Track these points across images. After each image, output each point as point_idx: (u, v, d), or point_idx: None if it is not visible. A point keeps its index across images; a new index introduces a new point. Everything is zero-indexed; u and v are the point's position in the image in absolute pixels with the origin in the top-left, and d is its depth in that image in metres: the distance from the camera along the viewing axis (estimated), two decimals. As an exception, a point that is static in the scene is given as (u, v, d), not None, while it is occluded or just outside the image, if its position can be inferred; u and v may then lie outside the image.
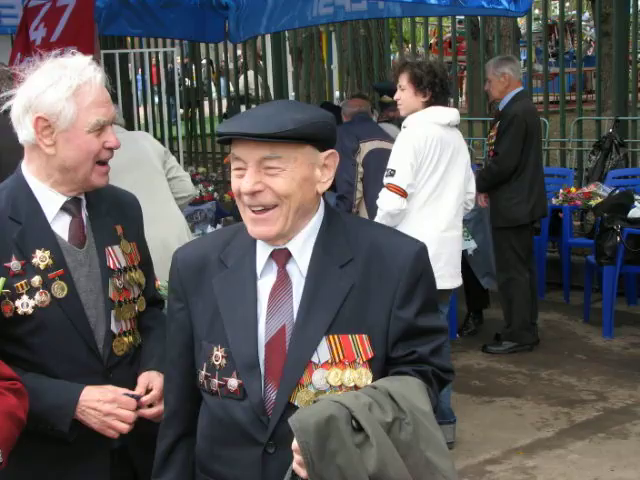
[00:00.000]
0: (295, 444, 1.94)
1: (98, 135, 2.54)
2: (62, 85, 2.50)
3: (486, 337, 7.23)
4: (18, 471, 2.46)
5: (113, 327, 2.60)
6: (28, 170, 2.59)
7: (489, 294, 7.52)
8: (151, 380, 2.60)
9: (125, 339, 2.63)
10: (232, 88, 13.49)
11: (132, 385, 2.59)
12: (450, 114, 5.29)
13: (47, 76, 2.51)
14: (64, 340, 2.53)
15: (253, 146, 2.07)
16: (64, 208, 2.60)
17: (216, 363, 2.17)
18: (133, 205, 2.80)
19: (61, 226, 2.59)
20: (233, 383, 2.15)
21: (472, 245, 6.96)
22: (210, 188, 7.75)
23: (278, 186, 2.09)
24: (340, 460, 1.92)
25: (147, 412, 2.57)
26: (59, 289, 2.52)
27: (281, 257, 2.18)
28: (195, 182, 8.37)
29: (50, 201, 2.59)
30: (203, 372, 2.20)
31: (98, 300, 2.58)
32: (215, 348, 2.18)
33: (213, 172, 10.80)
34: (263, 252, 2.19)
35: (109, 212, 2.67)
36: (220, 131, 2.11)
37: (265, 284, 2.18)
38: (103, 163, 2.58)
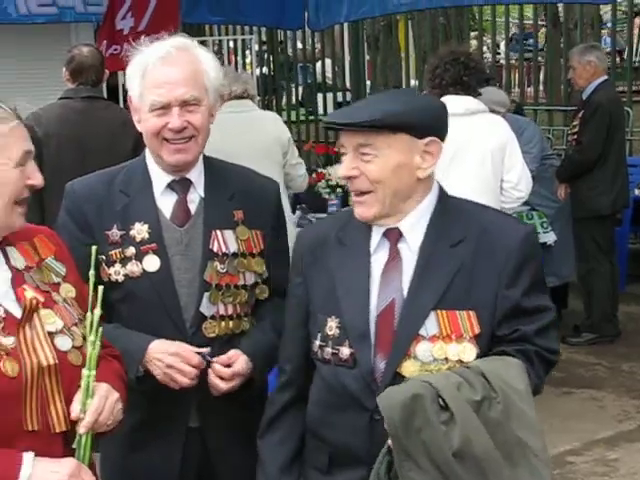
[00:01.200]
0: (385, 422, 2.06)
1: (159, 115, 2.59)
2: (135, 66, 2.62)
3: (565, 328, 7.15)
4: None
5: (204, 309, 2.63)
6: (148, 149, 2.72)
7: (568, 289, 7.41)
8: (236, 359, 2.61)
9: (222, 323, 2.65)
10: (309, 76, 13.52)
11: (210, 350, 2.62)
12: (458, 103, 5.09)
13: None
14: (151, 313, 2.61)
15: (350, 134, 2.27)
16: (170, 187, 2.66)
17: (330, 333, 2.32)
18: (268, 193, 2.79)
19: (167, 204, 2.66)
20: (345, 352, 2.29)
21: (551, 237, 6.88)
22: (289, 175, 7.77)
23: (371, 172, 2.25)
24: (425, 436, 2.03)
25: (212, 379, 2.58)
26: (151, 263, 2.60)
27: (393, 236, 2.32)
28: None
29: (159, 179, 2.68)
30: (317, 342, 2.35)
31: (193, 280, 2.62)
32: (329, 319, 2.32)
33: (290, 159, 10.81)
34: (377, 231, 2.34)
35: (233, 196, 2.70)
36: (324, 120, 2.28)
37: (378, 260, 2.32)
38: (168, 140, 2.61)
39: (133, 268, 2.60)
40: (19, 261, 2.24)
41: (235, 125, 5.28)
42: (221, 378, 2.58)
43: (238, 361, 2.61)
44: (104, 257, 2.59)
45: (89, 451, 2.14)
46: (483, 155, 5.05)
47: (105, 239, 2.61)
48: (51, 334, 2.17)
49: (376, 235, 2.35)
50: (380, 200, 2.28)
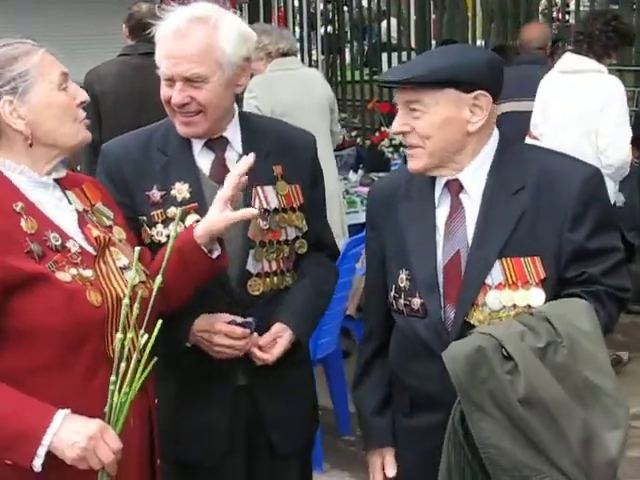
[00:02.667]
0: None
1: (168, 86, 2.63)
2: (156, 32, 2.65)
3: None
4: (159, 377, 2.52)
5: (250, 266, 2.63)
6: None
7: (635, 249, 7.27)
8: (280, 333, 2.63)
9: (267, 280, 2.65)
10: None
11: (262, 326, 2.62)
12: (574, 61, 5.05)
13: None
14: None
15: (400, 91, 2.37)
16: (207, 146, 2.63)
17: (401, 285, 2.44)
18: (305, 146, 2.78)
19: (205, 162, 2.64)
20: (416, 303, 2.40)
21: (620, 198, 6.73)
22: (353, 134, 7.72)
23: (420, 128, 2.34)
24: (490, 386, 2.11)
25: (257, 353, 2.62)
26: (194, 222, 2.58)
27: (454, 187, 2.41)
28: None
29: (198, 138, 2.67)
30: (392, 293, 2.48)
31: (236, 238, 2.62)
32: (401, 271, 2.44)
33: (353, 118, 10.75)
34: (439, 183, 2.40)
35: (270, 151, 2.67)
36: (377, 77, 2.41)
37: (442, 212, 2.43)
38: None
39: (175, 229, 2.57)
40: (78, 204, 2.34)
41: (285, 83, 5.26)
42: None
43: (282, 340, 2.62)
44: (145, 218, 2.60)
45: (123, 415, 2.14)
46: (582, 114, 5.16)
47: (145, 200, 2.61)
48: (121, 269, 2.29)
49: (439, 187, 2.43)
50: (429, 153, 2.36)
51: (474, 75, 2.31)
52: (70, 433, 2.09)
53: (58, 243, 2.20)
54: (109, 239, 2.30)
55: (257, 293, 2.66)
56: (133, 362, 2.14)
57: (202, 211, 2.60)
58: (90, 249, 2.27)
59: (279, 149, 2.71)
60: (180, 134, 2.62)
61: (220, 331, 2.58)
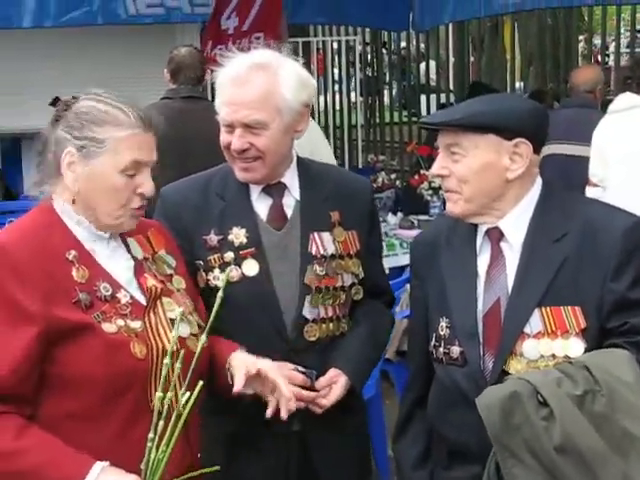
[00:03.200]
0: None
1: (228, 132, 2.59)
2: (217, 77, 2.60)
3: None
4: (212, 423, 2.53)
5: (306, 312, 2.62)
6: None
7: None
8: (336, 378, 2.60)
9: (323, 326, 2.65)
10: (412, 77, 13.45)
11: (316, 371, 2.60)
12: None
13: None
14: (251, 317, 2.59)
15: (442, 134, 2.35)
16: (265, 191, 2.64)
17: (441, 333, 2.39)
18: (363, 192, 2.78)
19: (263, 208, 2.65)
20: (455, 351, 2.36)
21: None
22: (392, 176, 7.73)
23: (458, 171, 2.32)
24: (525, 433, 2.05)
25: (320, 401, 2.57)
26: (250, 267, 2.59)
27: (494, 235, 2.37)
28: (374, 170, 8.38)
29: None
30: (432, 342, 2.43)
31: (293, 284, 2.61)
32: (441, 319, 2.40)
33: (392, 160, 10.78)
34: (480, 231, 2.39)
35: (328, 198, 2.67)
36: (420, 120, 2.40)
37: (483, 260, 2.39)
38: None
39: (232, 273, 2.58)
40: (138, 252, 2.33)
41: None
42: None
43: (337, 385, 2.59)
44: (202, 262, 2.59)
45: (159, 472, 2.11)
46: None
47: (203, 244, 2.60)
48: (172, 321, 2.25)
49: (480, 235, 2.40)
50: (466, 199, 2.33)
51: (515, 122, 2.30)
52: None
53: (108, 293, 2.18)
54: (162, 290, 2.28)
55: (313, 339, 2.63)
56: (173, 419, 2.09)
57: (258, 257, 2.58)
58: (142, 299, 2.25)
59: (337, 195, 2.68)
60: (239, 179, 2.63)
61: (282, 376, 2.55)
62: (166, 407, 2.08)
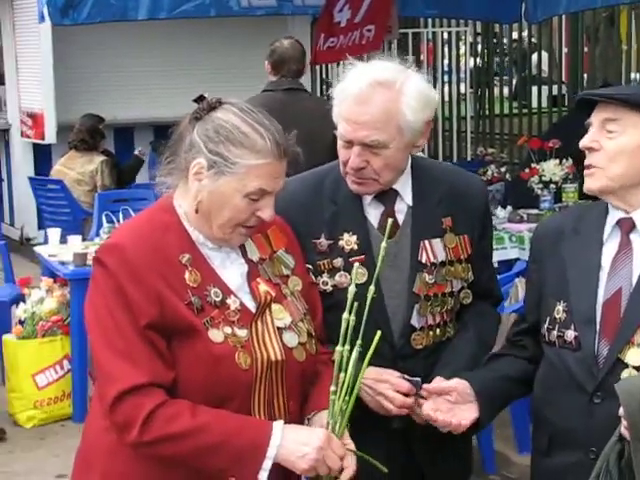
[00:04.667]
0: (622, 409, 2.08)
1: (345, 147, 2.55)
2: (338, 87, 2.56)
3: None
4: None
5: (414, 321, 2.60)
6: None
7: None
8: (443, 388, 2.54)
9: (430, 332, 2.63)
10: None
11: (422, 377, 2.57)
12: None
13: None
14: (358, 323, 2.53)
15: (601, 107, 2.33)
16: (377, 197, 2.62)
17: (557, 316, 2.40)
18: (477, 195, 2.72)
19: (375, 214, 2.62)
20: (570, 335, 2.36)
21: None
22: (502, 169, 7.63)
23: (609, 147, 2.30)
24: None
25: (424, 410, 2.51)
26: (360, 274, 2.50)
27: (626, 225, 2.36)
28: (484, 163, 8.29)
29: None
30: (546, 325, 2.43)
31: (402, 292, 2.58)
32: (558, 303, 2.40)
33: (502, 153, 10.64)
34: (610, 221, 2.37)
35: (441, 202, 2.63)
36: (579, 93, 2.45)
37: (609, 249, 2.38)
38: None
39: (342, 279, 2.56)
40: (254, 254, 2.32)
41: None
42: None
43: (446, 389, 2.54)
44: (311, 266, 2.56)
45: (345, 422, 2.21)
46: None
47: (313, 248, 2.57)
48: (280, 329, 2.25)
49: (609, 225, 2.39)
50: (611, 177, 2.32)
51: None
52: (298, 445, 2.13)
53: (218, 299, 2.19)
54: (272, 297, 2.26)
55: (420, 347, 2.61)
56: (350, 370, 2.18)
57: (369, 263, 2.53)
58: (251, 306, 2.24)
59: (451, 199, 2.64)
60: (352, 191, 2.60)
61: (388, 381, 2.53)
62: (345, 358, 2.17)
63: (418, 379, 2.53)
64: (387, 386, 2.52)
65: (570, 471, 2.34)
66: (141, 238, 2.19)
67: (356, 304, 2.24)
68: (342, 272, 2.57)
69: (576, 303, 2.36)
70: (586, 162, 2.37)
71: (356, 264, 2.41)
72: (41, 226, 9.50)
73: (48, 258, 6.07)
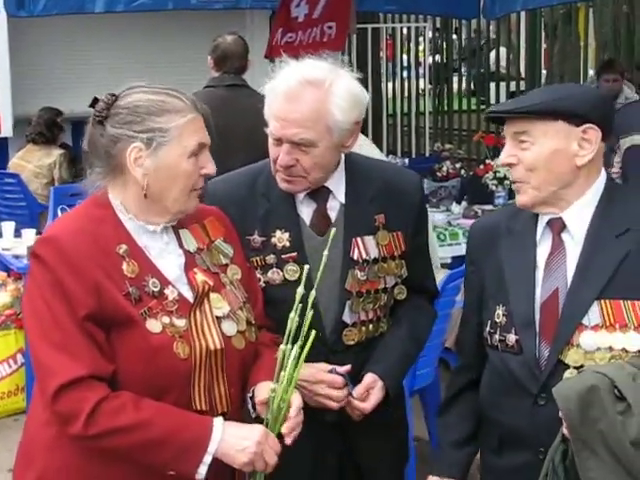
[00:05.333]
0: (561, 413, 2.10)
1: (275, 145, 2.56)
2: (269, 85, 2.56)
3: None
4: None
5: (346, 317, 2.62)
6: None
7: None
8: (373, 384, 2.60)
9: (363, 328, 2.65)
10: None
11: (352, 372, 2.61)
12: None
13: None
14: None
15: (509, 122, 2.35)
16: (309, 195, 2.63)
17: (497, 320, 2.41)
18: (410, 191, 2.72)
19: (307, 212, 2.64)
20: (511, 339, 2.38)
21: None
22: (457, 165, 7.68)
23: (526, 158, 2.31)
24: (602, 426, 2.05)
25: (354, 402, 2.57)
26: (291, 271, 2.57)
27: (556, 226, 2.37)
28: (441, 158, 8.35)
29: None
30: (487, 328, 2.44)
31: (333, 288, 2.59)
32: (498, 306, 2.42)
33: (459, 149, 10.72)
34: (542, 221, 2.39)
35: (374, 200, 2.65)
36: (486, 111, 2.45)
37: (542, 250, 2.39)
38: None
39: (274, 276, 2.59)
40: (191, 244, 2.33)
41: None
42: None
43: (374, 391, 2.60)
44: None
45: (280, 419, 2.23)
46: None
47: (247, 244, 2.58)
48: (218, 319, 2.26)
49: (541, 226, 2.40)
50: (536, 187, 2.33)
51: (584, 108, 2.30)
52: (238, 439, 2.15)
53: (156, 289, 2.19)
54: (210, 287, 2.27)
55: (352, 343, 2.63)
56: (288, 370, 2.20)
57: (300, 261, 2.55)
58: (189, 296, 2.25)
59: (384, 196, 2.65)
60: (281, 189, 2.62)
61: (323, 381, 2.56)
62: (286, 357, 2.18)
63: (346, 368, 2.56)
64: (323, 386, 2.54)
65: (520, 471, 2.37)
66: (77, 230, 2.20)
67: (296, 302, 2.25)
68: (274, 269, 2.59)
69: (515, 306, 2.38)
70: (511, 178, 2.41)
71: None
72: (-2, 220, 9.42)
73: (2, 252, 6.03)
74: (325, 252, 2.33)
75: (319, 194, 2.63)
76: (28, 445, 2.30)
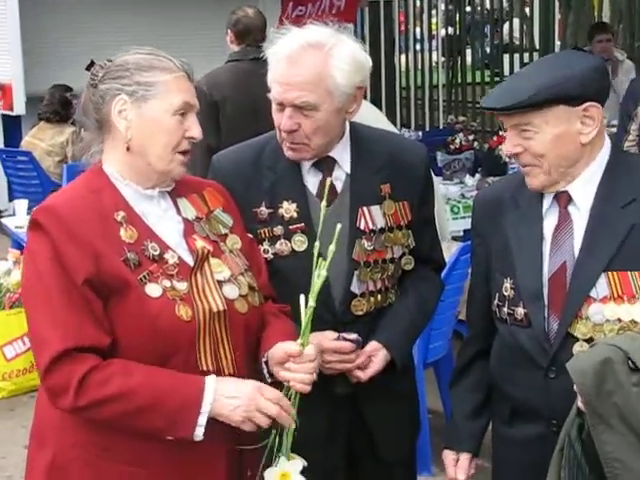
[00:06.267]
0: (576, 387, 2.10)
1: (278, 110, 2.56)
2: (270, 53, 2.58)
3: None
4: None
5: (354, 287, 2.62)
6: None
7: None
8: (375, 352, 2.61)
9: (371, 299, 2.65)
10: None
11: (364, 343, 2.62)
12: None
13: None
14: (300, 291, 2.49)
15: (505, 115, 2.33)
16: (315, 165, 2.63)
17: (505, 294, 2.41)
18: (418, 161, 2.73)
19: (313, 182, 2.64)
20: (520, 312, 2.38)
21: None
22: (470, 137, 7.64)
23: (533, 147, 2.30)
24: (617, 399, 2.05)
25: (356, 373, 2.59)
26: (299, 242, 2.58)
27: (563, 199, 2.37)
28: (455, 131, 8.30)
29: None
30: (495, 301, 2.45)
31: (341, 259, 2.58)
32: (505, 280, 2.41)
33: (473, 121, 10.64)
34: (548, 194, 2.38)
35: (380, 170, 2.65)
36: (481, 103, 2.43)
37: (549, 223, 2.39)
38: None
39: (282, 247, 2.59)
40: (190, 212, 2.33)
41: None
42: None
43: (376, 359, 2.60)
44: (251, 235, 2.59)
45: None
46: None
47: (253, 217, 2.59)
48: (220, 282, 2.26)
49: (547, 198, 2.39)
50: (546, 171, 2.32)
51: (581, 88, 2.27)
52: (228, 399, 2.14)
53: (156, 253, 2.20)
54: (209, 251, 2.27)
55: (360, 313, 2.64)
56: (307, 318, 2.23)
57: (308, 231, 2.57)
58: (190, 261, 2.25)
59: (390, 166, 2.65)
60: (287, 157, 2.61)
61: (329, 349, 2.56)
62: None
63: (355, 336, 2.56)
64: (330, 354, 2.55)
65: (532, 442, 2.37)
66: (74, 199, 2.21)
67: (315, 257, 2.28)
68: (282, 240, 2.60)
69: (522, 280, 2.37)
70: (519, 164, 2.39)
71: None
72: (11, 198, 9.44)
73: (15, 230, 6.05)
74: (323, 203, 2.34)
75: (324, 164, 2.62)
76: (39, 426, 2.31)
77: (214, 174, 2.67)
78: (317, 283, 2.24)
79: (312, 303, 2.23)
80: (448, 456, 2.60)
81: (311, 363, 2.24)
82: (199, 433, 2.13)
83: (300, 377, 2.23)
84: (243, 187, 2.60)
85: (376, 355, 2.60)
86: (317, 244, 2.30)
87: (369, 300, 2.64)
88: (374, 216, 2.62)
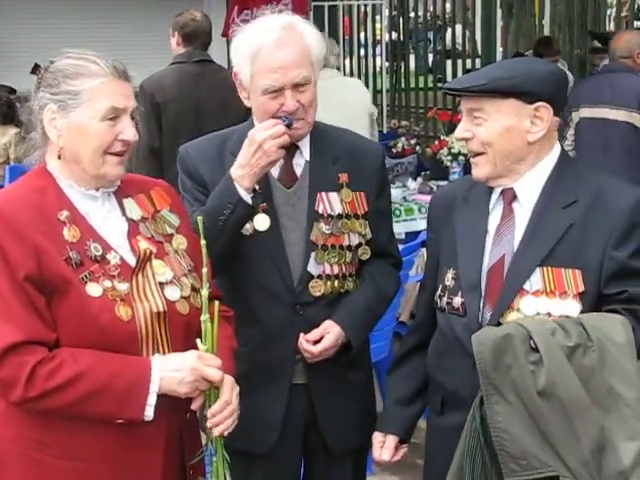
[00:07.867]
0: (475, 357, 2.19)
1: (273, 98, 2.64)
2: (245, 47, 2.66)
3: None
4: None
5: (311, 268, 2.73)
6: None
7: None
8: (329, 329, 2.71)
9: (328, 282, 2.75)
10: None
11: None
12: None
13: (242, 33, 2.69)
14: (262, 270, 2.72)
15: (465, 99, 2.44)
16: None
17: (447, 283, 2.52)
18: (373, 155, 2.87)
19: (276, 167, 2.74)
20: (457, 301, 2.48)
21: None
22: (412, 141, 7.73)
23: (481, 134, 2.40)
24: (513, 374, 2.15)
25: (304, 345, 2.70)
26: (262, 222, 2.69)
27: (508, 196, 2.47)
28: (397, 135, 8.39)
29: None
30: (438, 292, 2.55)
31: (300, 240, 2.72)
32: (448, 270, 2.52)
33: (416, 126, 10.77)
34: (496, 191, 2.49)
35: (337, 160, 2.77)
36: (444, 85, 2.45)
37: (494, 218, 2.49)
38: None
39: (245, 227, 2.68)
40: (135, 212, 2.36)
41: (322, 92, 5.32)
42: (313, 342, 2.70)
43: (329, 335, 2.70)
44: None
45: (213, 337, 2.28)
46: None
47: None
48: (161, 284, 2.30)
49: (494, 195, 2.50)
50: (491, 161, 2.41)
51: (535, 86, 2.37)
52: (173, 372, 2.19)
53: (98, 253, 2.22)
54: (152, 253, 2.30)
55: (318, 294, 2.74)
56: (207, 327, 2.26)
57: (269, 212, 2.70)
58: (132, 261, 2.28)
59: (347, 157, 2.78)
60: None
61: (264, 139, 2.60)
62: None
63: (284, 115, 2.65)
64: (267, 141, 2.61)
65: (461, 430, 2.41)
66: (17, 199, 2.23)
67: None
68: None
69: (463, 271, 2.47)
70: (467, 150, 2.50)
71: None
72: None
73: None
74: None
75: (287, 150, 2.71)
76: None
77: (183, 161, 2.80)
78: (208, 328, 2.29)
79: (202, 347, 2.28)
80: (376, 437, 2.69)
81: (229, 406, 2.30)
82: (149, 413, 2.18)
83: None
84: (209, 170, 2.73)
85: (330, 331, 2.70)
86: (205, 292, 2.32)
87: (326, 283, 2.74)
88: (332, 201, 2.74)
